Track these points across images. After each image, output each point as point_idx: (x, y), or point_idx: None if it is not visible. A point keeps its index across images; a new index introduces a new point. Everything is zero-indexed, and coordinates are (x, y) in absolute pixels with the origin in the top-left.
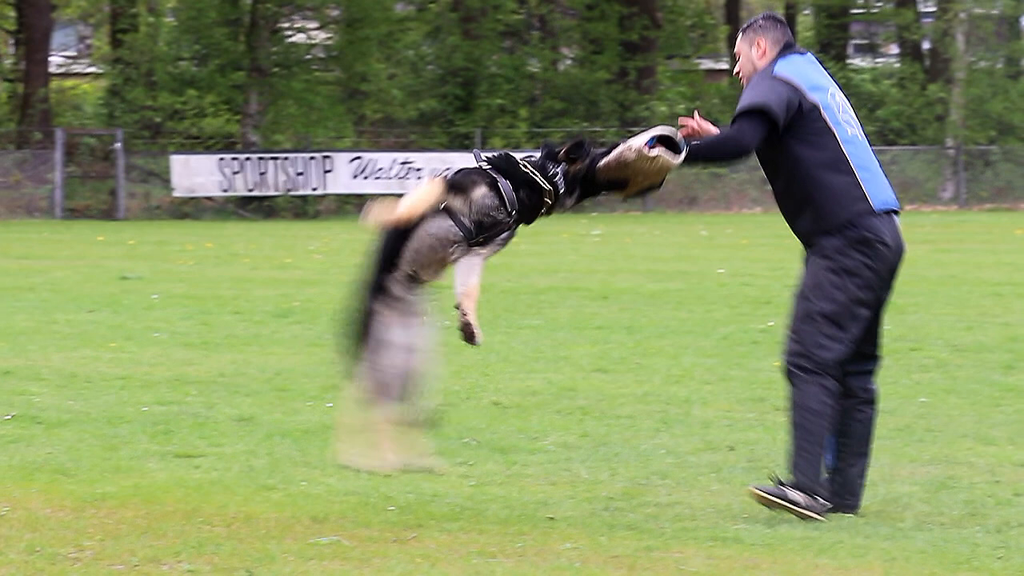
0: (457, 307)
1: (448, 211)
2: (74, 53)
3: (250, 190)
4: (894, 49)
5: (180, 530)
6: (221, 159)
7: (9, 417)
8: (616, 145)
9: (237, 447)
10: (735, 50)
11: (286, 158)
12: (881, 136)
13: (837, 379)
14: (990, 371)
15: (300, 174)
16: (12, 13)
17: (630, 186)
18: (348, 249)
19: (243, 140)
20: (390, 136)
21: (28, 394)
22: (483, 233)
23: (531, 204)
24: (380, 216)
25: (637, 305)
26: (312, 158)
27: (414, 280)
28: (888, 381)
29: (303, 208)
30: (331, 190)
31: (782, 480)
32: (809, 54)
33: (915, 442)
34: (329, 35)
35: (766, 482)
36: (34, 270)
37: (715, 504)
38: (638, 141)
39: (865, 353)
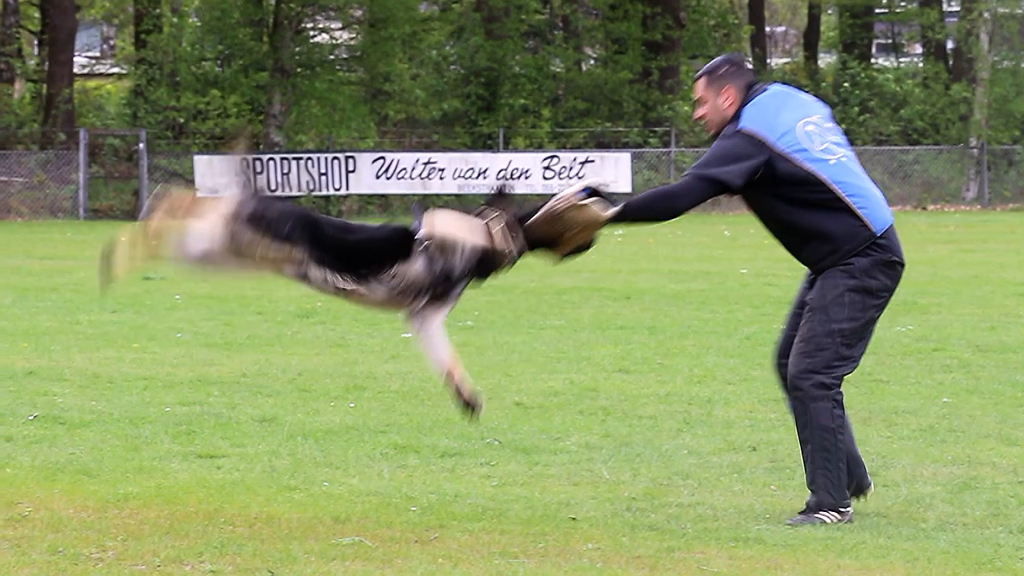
0: (448, 383)
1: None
2: (98, 54)
3: (273, 190)
4: (918, 49)
5: (202, 530)
6: (244, 159)
7: (32, 418)
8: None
9: (259, 447)
10: (696, 95)
11: (309, 158)
12: (904, 136)
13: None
14: (1013, 371)
15: (323, 174)
16: (36, 14)
17: (562, 244)
18: None
19: (266, 140)
20: (413, 136)
21: (51, 394)
22: (447, 285)
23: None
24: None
25: (659, 305)
26: (335, 158)
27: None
28: (911, 381)
29: (326, 208)
30: (354, 190)
31: (809, 504)
32: (775, 87)
33: (938, 442)
34: (352, 35)
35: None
36: (57, 270)
37: (737, 504)
38: (569, 191)
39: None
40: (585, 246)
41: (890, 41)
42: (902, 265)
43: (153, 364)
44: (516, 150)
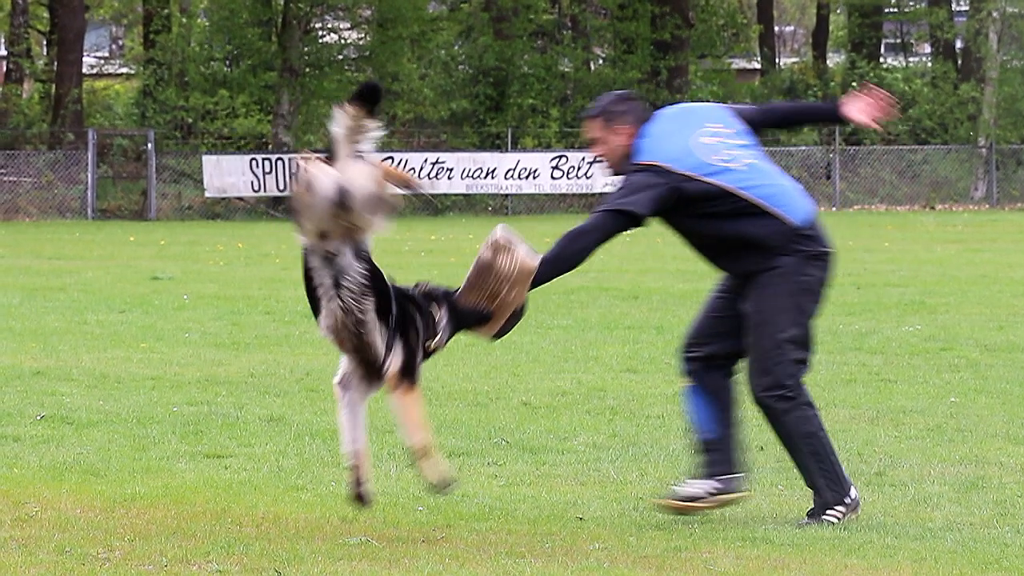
0: (353, 468)
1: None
2: (107, 54)
3: (281, 190)
4: (927, 48)
5: (209, 530)
6: (253, 159)
7: (40, 417)
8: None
9: (267, 447)
10: (591, 135)
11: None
12: (913, 135)
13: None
14: (1021, 371)
15: None
16: (45, 14)
17: (497, 311)
18: (377, 249)
19: (275, 140)
20: (421, 136)
21: (59, 394)
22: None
23: None
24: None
25: (667, 305)
26: None
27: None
28: (918, 381)
29: None
30: None
31: (816, 505)
32: (666, 111)
33: (945, 442)
34: (361, 35)
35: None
36: (65, 270)
37: (744, 504)
38: (489, 239)
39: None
40: (518, 314)
41: (899, 40)
42: (831, 254)
43: (161, 364)
44: (524, 150)
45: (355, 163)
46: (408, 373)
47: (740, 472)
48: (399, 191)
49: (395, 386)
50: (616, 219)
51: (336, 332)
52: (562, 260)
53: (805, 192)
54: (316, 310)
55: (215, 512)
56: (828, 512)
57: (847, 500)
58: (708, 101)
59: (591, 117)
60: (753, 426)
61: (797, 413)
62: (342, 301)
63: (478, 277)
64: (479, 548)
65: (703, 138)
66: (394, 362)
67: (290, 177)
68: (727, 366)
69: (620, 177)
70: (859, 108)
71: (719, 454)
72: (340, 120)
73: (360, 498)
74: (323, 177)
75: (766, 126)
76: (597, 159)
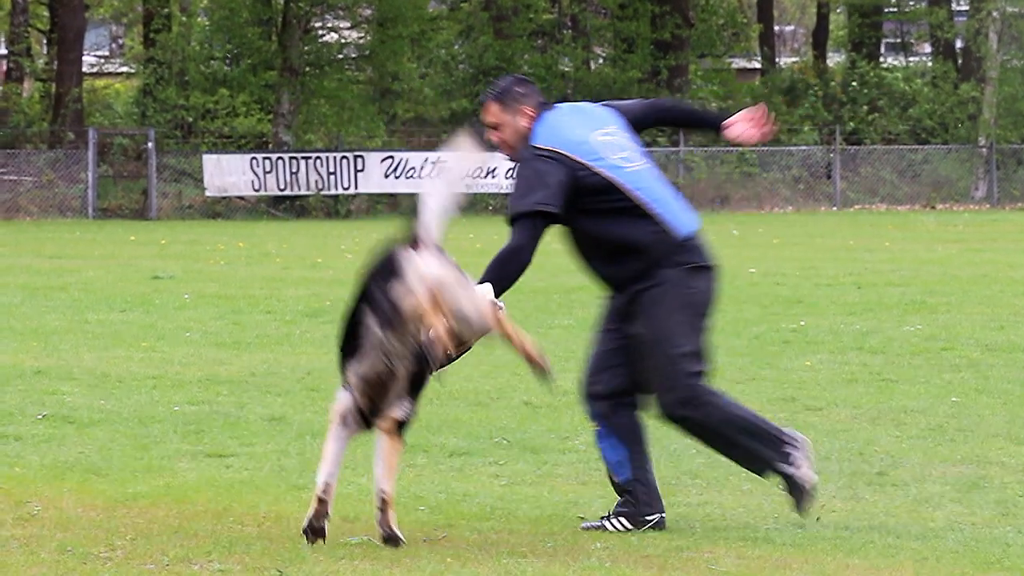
0: (320, 502)
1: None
2: (107, 53)
3: (282, 189)
4: (927, 48)
5: (211, 529)
6: (253, 158)
7: (41, 416)
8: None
9: (268, 447)
10: (490, 119)
11: (318, 158)
12: (913, 135)
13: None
14: (1022, 371)
15: (332, 173)
16: (45, 13)
17: (459, 353)
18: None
19: (275, 139)
20: (422, 135)
21: (60, 393)
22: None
23: None
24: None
25: None
26: (344, 157)
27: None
28: (920, 380)
29: (335, 208)
30: (363, 190)
31: (786, 485)
32: (563, 106)
33: (947, 441)
34: (361, 34)
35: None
36: (66, 270)
37: (746, 504)
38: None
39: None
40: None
41: (899, 40)
42: (715, 268)
43: (162, 363)
44: None
45: (471, 285)
46: (404, 425)
47: (658, 513)
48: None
49: (390, 431)
50: (537, 224)
51: (368, 381)
52: (502, 284)
53: (690, 207)
54: (351, 351)
55: (217, 511)
56: (796, 474)
57: (787, 444)
58: (593, 103)
59: (491, 100)
60: None
61: (710, 411)
62: (390, 362)
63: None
64: (481, 548)
65: (600, 136)
66: (399, 413)
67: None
68: (632, 400)
69: (519, 161)
70: (740, 129)
71: (634, 496)
72: (452, 168)
73: (315, 532)
74: (463, 301)
75: (648, 124)
76: (495, 145)
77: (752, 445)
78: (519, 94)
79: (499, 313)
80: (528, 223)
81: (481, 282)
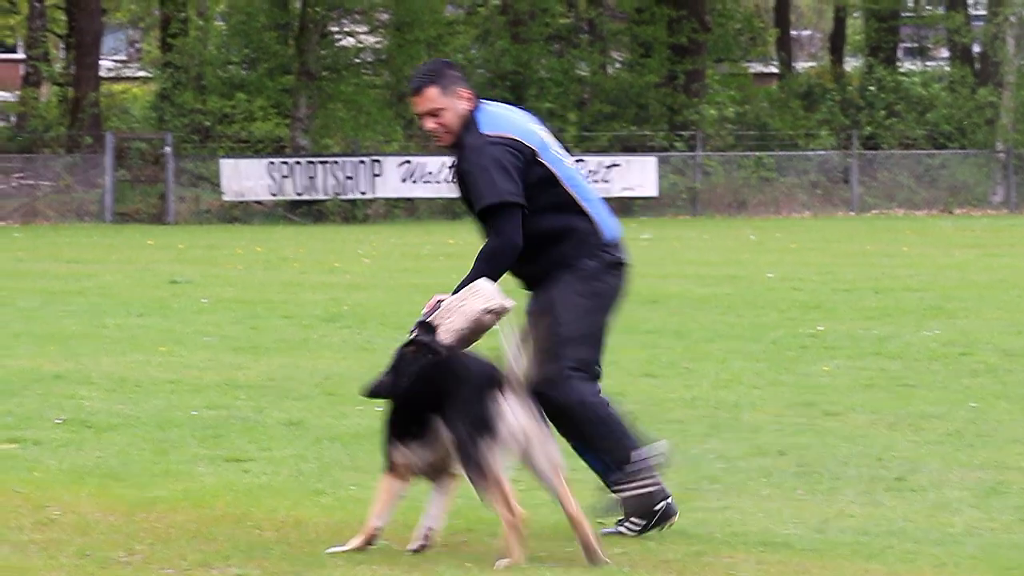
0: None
1: None
2: (124, 57)
3: (299, 194)
4: (944, 52)
5: (230, 534)
6: (270, 163)
7: (60, 421)
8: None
9: (286, 451)
10: (429, 106)
11: (335, 162)
12: (931, 140)
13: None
14: None
15: (349, 178)
16: (63, 17)
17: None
18: (397, 253)
19: (292, 144)
20: None
21: (78, 398)
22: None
23: None
24: None
25: (686, 309)
26: (361, 162)
27: None
28: (938, 386)
29: (352, 212)
30: (380, 194)
31: (618, 483)
32: (494, 102)
33: (965, 447)
34: (378, 39)
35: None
36: (84, 274)
37: (765, 509)
38: (488, 302)
39: (598, 374)
40: None
41: (916, 45)
42: (629, 268)
43: (180, 368)
44: None
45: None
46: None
47: (662, 494)
48: None
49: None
50: (516, 213)
51: (433, 465)
52: (496, 279)
53: (613, 213)
54: (408, 434)
55: (235, 516)
56: (639, 473)
57: (635, 459)
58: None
59: (427, 85)
60: (773, 431)
61: (570, 399)
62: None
63: (472, 334)
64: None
65: (539, 128)
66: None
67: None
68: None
69: (469, 148)
70: None
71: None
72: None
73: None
74: (541, 459)
75: None
76: (432, 133)
77: (611, 446)
78: (455, 77)
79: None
80: (507, 213)
81: (474, 279)
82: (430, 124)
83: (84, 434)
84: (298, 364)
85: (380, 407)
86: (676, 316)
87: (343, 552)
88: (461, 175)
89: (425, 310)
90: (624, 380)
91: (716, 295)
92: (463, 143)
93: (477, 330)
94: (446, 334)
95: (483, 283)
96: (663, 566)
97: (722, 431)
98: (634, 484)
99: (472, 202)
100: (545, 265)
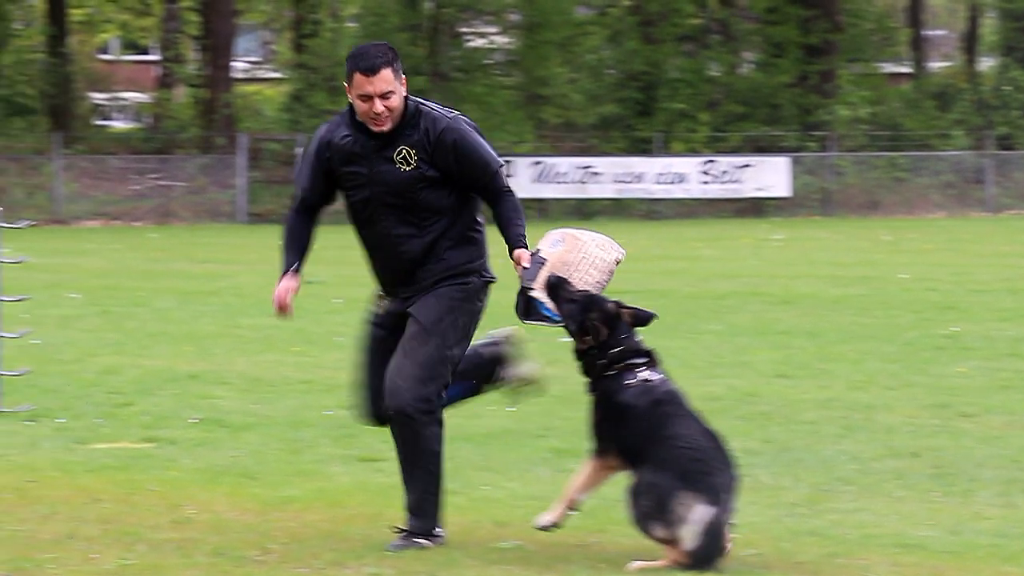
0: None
1: None
2: (257, 58)
3: None
4: None
5: (364, 534)
6: None
7: (195, 420)
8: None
9: None
10: (385, 88)
11: None
12: None
13: None
14: None
15: None
16: (197, 19)
17: None
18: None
19: None
20: (570, 140)
21: (213, 398)
22: None
23: None
24: None
25: (819, 310)
26: None
27: None
28: None
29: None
30: None
31: (405, 528)
32: None
33: None
34: (509, 39)
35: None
36: (218, 274)
37: (899, 510)
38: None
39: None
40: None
41: None
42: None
43: (313, 368)
44: (673, 154)
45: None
46: None
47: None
48: None
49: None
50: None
51: None
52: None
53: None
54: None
55: (369, 515)
56: (423, 539)
57: (436, 532)
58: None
59: (385, 66)
60: (907, 432)
61: (435, 429)
62: None
63: (605, 285)
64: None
65: None
66: None
67: None
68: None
69: (455, 120)
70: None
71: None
72: None
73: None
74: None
75: None
76: (375, 116)
77: (428, 493)
78: (400, 63)
79: None
80: (504, 176)
81: (523, 231)
82: (379, 106)
83: (219, 434)
84: None
85: (512, 408)
86: (809, 317)
87: (549, 524)
88: (453, 147)
89: (525, 265)
90: (757, 381)
91: (849, 296)
92: (435, 117)
93: (608, 281)
94: (589, 287)
95: (596, 234)
96: (797, 567)
97: (856, 432)
98: (421, 541)
99: (474, 172)
100: (450, 263)
